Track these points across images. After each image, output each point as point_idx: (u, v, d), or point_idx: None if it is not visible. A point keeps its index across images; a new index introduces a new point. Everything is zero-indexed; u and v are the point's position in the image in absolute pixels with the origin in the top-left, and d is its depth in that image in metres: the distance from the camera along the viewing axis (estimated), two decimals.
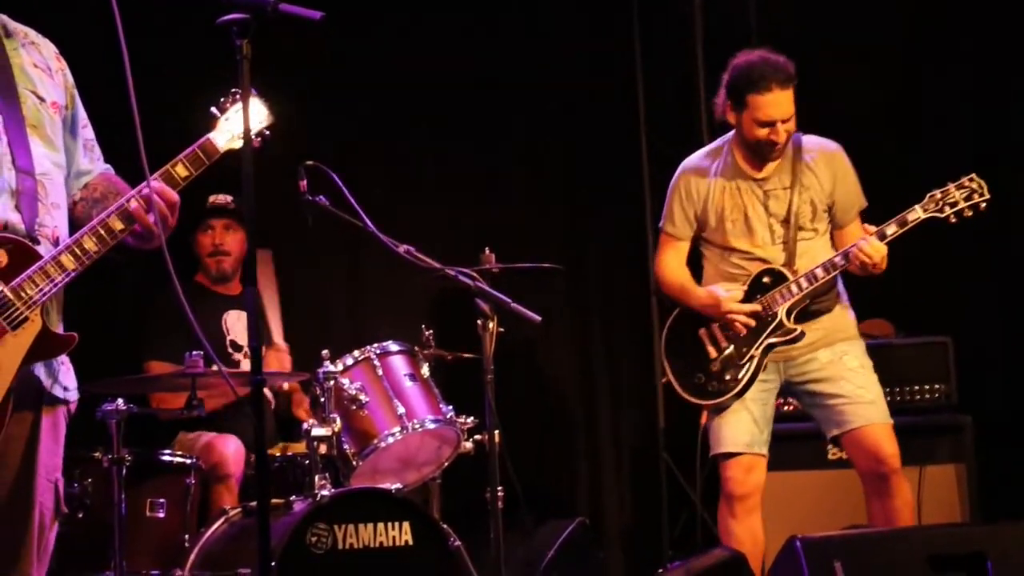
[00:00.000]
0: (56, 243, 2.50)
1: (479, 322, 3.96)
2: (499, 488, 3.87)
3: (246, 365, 4.49)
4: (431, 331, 4.33)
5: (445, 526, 3.84)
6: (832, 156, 4.12)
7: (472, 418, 4.15)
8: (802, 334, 4.02)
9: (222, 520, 3.80)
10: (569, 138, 5.60)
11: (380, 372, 4.10)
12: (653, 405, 5.59)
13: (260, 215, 2.53)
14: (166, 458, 3.99)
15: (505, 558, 3.79)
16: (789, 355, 4.07)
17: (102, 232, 2.48)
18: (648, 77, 5.69)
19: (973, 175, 3.94)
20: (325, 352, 4.08)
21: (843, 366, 4.03)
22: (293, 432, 4.54)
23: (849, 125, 4.62)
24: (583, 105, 5.59)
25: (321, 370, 3.96)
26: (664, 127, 5.63)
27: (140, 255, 2.61)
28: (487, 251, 4.14)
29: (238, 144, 2.62)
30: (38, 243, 2.47)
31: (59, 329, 2.54)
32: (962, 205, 3.92)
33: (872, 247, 3.90)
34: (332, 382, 3.94)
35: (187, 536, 3.86)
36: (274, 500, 3.69)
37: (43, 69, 2.60)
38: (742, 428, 4.05)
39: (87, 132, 2.69)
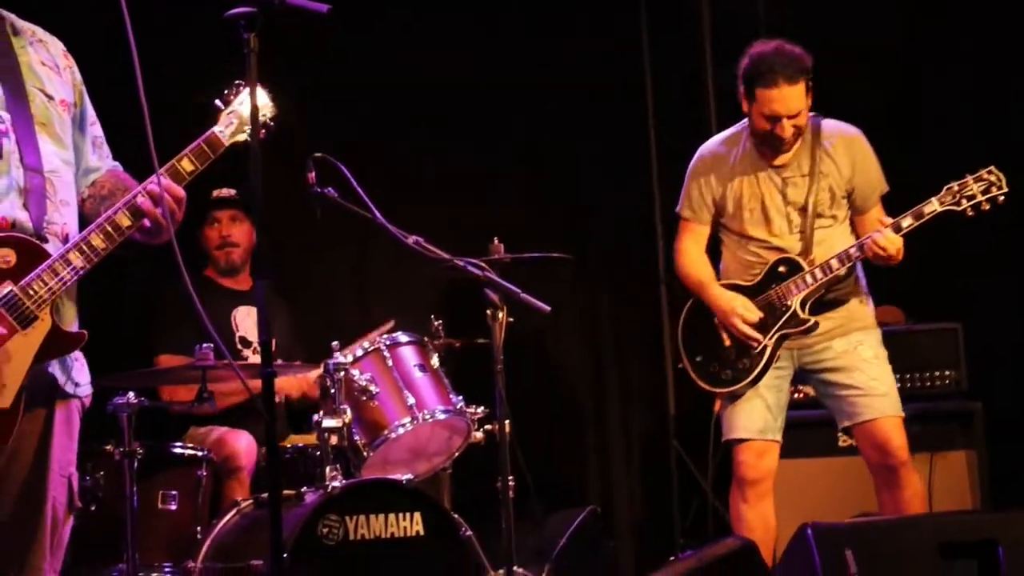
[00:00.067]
0: (65, 240, 2.51)
1: (488, 312, 3.96)
2: (510, 478, 3.88)
3: (256, 361, 4.50)
4: (440, 321, 4.34)
5: (456, 516, 3.84)
6: (851, 141, 4.09)
7: (482, 408, 4.15)
8: (815, 325, 4.02)
9: (234, 512, 3.81)
10: (577, 133, 5.59)
11: (390, 363, 4.10)
12: (663, 393, 5.59)
13: (265, 208, 2.54)
14: (177, 450, 4.01)
15: (516, 547, 3.79)
16: (804, 343, 4.07)
17: (109, 229, 2.49)
18: (656, 72, 5.70)
19: (992, 167, 3.90)
20: (335, 343, 4.09)
21: (857, 356, 4.02)
22: (302, 425, 4.55)
23: None
24: (591, 101, 5.58)
25: (331, 361, 3.97)
26: (672, 122, 5.64)
27: (148, 250, 2.61)
28: (495, 241, 4.14)
29: (242, 136, 2.63)
30: (46, 241, 2.48)
31: (75, 326, 2.55)
32: (980, 198, 3.89)
33: (887, 239, 3.88)
34: (342, 373, 3.95)
35: (199, 528, 3.87)
36: (285, 492, 3.70)
37: (51, 67, 2.60)
38: (756, 415, 4.06)
39: (95, 129, 2.70)
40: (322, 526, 3.57)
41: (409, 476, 3.85)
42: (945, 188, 3.91)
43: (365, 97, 5.28)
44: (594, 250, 5.66)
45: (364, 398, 4.04)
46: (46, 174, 2.51)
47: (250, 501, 3.83)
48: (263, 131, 2.62)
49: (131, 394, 3.73)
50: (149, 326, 4.57)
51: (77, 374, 2.57)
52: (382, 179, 5.15)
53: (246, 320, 4.65)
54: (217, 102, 2.67)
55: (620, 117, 5.68)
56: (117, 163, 2.75)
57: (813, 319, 4.02)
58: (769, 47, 4.00)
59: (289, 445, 4.34)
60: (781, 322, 4.04)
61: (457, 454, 4.27)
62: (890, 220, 3.92)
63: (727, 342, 4.10)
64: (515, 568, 3.76)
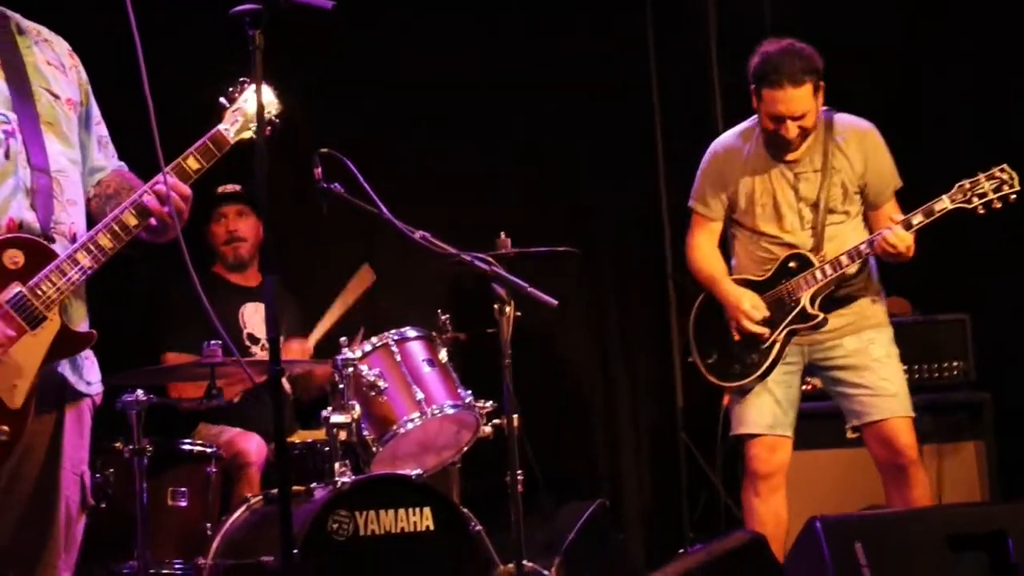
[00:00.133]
0: (73, 240, 2.51)
1: (496, 307, 3.95)
2: (519, 472, 3.88)
3: (264, 357, 4.50)
4: (447, 316, 4.34)
5: (465, 510, 3.85)
6: (864, 135, 4.06)
7: (491, 402, 4.15)
8: (824, 321, 4.01)
9: (244, 508, 3.81)
10: (583, 132, 5.60)
11: (398, 358, 4.10)
12: (671, 386, 5.59)
13: (271, 204, 2.54)
14: (186, 447, 4.01)
15: (525, 541, 3.79)
16: (814, 339, 4.06)
17: (117, 228, 2.49)
18: (661, 70, 5.72)
19: (1004, 166, 3.86)
20: (343, 339, 4.09)
21: (868, 356, 4.01)
22: (310, 420, 4.56)
23: None
24: (597, 100, 5.59)
25: (340, 357, 3.97)
26: (678, 119, 5.65)
27: (154, 249, 2.62)
28: (502, 236, 4.14)
29: (248, 134, 2.63)
30: (53, 241, 2.48)
31: (84, 325, 2.55)
32: (991, 196, 3.85)
33: (897, 236, 3.86)
34: (351, 369, 3.96)
35: (209, 525, 3.88)
36: (295, 487, 3.71)
37: (56, 66, 2.60)
38: (765, 410, 4.06)
39: (101, 129, 2.70)
40: (332, 522, 3.58)
41: (418, 471, 3.85)
42: (956, 185, 3.87)
43: (371, 94, 5.28)
44: (600, 245, 5.66)
45: (373, 393, 4.04)
46: (53, 174, 2.51)
47: (260, 497, 3.83)
48: (268, 128, 2.62)
49: (140, 391, 3.74)
50: (156, 324, 4.58)
51: (88, 373, 2.58)
52: (388, 177, 5.17)
53: (254, 316, 4.66)
54: (222, 100, 2.67)
55: (625, 115, 5.69)
56: (122, 163, 2.75)
57: (822, 315, 4.01)
58: (777, 46, 3.96)
59: (298, 441, 4.35)
60: (790, 318, 4.03)
61: (466, 448, 4.28)
62: (901, 217, 3.90)
63: (737, 337, 4.10)
64: (525, 562, 3.76)
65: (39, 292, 2.42)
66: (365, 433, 4.00)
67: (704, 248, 4.21)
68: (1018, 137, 4.98)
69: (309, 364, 4.59)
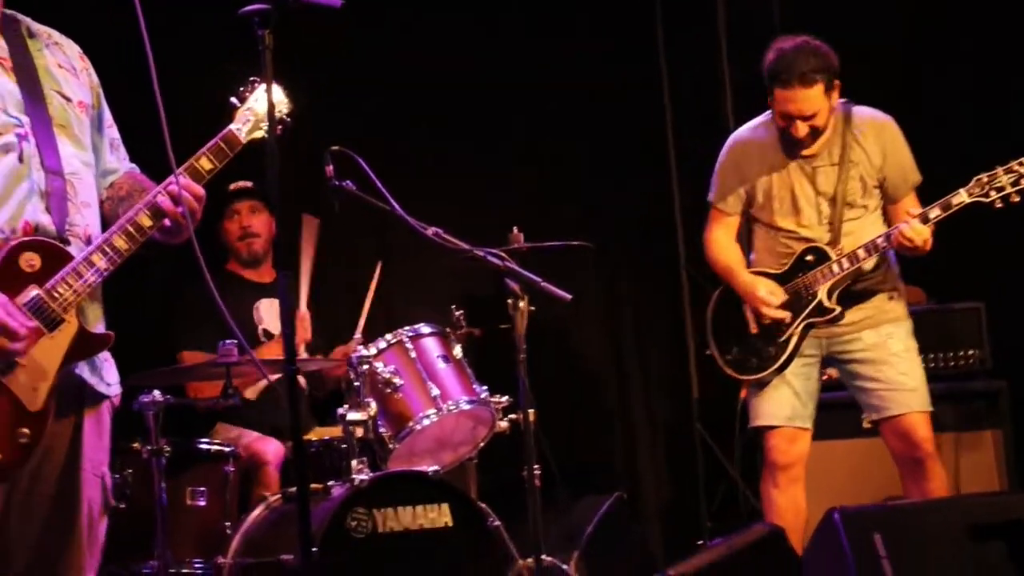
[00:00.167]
0: (88, 242, 2.52)
1: (510, 302, 3.95)
2: (535, 466, 3.88)
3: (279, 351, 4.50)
4: (462, 311, 4.34)
5: (483, 506, 3.85)
6: (882, 128, 4.04)
7: (506, 397, 4.15)
8: (841, 314, 4.00)
9: (262, 507, 3.82)
10: (597, 129, 5.61)
11: (413, 355, 4.11)
12: (686, 379, 5.59)
13: (282, 203, 2.54)
14: (204, 447, 4.02)
15: (544, 536, 3.79)
16: (833, 332, 4.05)
17: (131, 230, 2.49)
18: (672, 68, 5.76)
19: (1023, 159, 3.84)
20: (358, 336, 4.09)
21: (887, 350, 4.00)
22: (326, 418, 4.56)
23: None
24: (609, 97, 5.60)
25: (355, 354, 3.98)
26: (688, 116, 5.66)
27: (169, 249, 2.62)
28: (515, 230, 4.14)
29: (259, 133, 2.63)
30: (68, 243, 2.48)
31: (101, 327, 2.56)
32: (1009, 190, 3.82)
33: (914, 230, 3.84)
34: (366, 366, 3.96)
35: (228, 523, 3.89)
36: (312, 485, 3.72)
37: (68, 69, 2.61)
38: (783, 402, 4.05)
39: (112, 131, 2.71)
40: (350, 519, 3.59)
41: (435, 467, 3.86)
42: (974, 179, 3.84)
43: (377, 93, 5.28)
44: (613, 239, 5.66)
45: (388, 390, 4.04)
46: (66, 176, 2.51)
47: (278, 496, 3.84)
48: (279, 127, 2.62)
49: (156, 392, 3.75)
50: (171, 324, 4.59)
51: (107, 374, 2.58)
52: (394, 176, 5.17)
53: (269, 312, 4.67)
54: (232, 99, 2.67)
55: (637, 113, 5.71)
56: (134, 165, 2.75)
57: (839, 309, 4.00)
58: (792, 44, 3.94)
59: (315, 438, 4.35)
60: (808, 311, 4.03)
61: (482, 444, 4.28)
62: (918, 211, 3.88)
63: (754, 329, 4.09)
64: (543, 556, 3.76)
65: (56, 295, 2.43)
66: (382, 430, 4.01)
67: (721, 241, 4.21)
68: (1018, 137, 4.94)
69: (321, 363, 4.59)
